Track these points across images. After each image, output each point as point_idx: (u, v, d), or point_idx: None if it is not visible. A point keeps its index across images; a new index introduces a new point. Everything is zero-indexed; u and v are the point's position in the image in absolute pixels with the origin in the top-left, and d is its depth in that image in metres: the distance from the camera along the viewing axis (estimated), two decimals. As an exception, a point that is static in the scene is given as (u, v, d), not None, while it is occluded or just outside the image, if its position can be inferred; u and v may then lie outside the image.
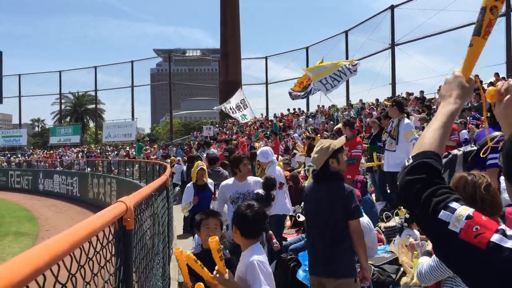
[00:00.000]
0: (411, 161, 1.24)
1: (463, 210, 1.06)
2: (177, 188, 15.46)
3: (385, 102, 9.62)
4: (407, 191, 1.19)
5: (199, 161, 7.48)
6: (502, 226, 1.01)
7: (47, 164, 32.24)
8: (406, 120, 7.46)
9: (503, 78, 18.60)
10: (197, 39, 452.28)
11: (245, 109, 20.22)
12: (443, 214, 1.07)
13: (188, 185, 6.96)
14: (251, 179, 5.52)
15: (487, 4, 1.44)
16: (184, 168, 17.43)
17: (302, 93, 18.45)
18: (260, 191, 5.38)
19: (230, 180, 5.62)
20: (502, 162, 1.14)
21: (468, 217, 1.04)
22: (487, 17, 1.45)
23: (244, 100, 20.51)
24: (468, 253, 1.02)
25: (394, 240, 5.61)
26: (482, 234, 1.00)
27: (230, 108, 20.21)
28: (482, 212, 2.20)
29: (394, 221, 6.65)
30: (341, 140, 3.99)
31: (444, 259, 1.13)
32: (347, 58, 36.21)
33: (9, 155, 41.94)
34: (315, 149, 3.88)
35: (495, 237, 0.98)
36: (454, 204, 1.08)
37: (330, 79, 15.89)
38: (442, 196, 1.11)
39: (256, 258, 2.77)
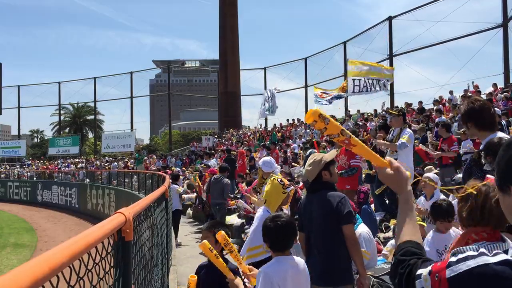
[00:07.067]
0: (393, 261, 1.44)
1: (425, 271, 1.19)
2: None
3: (390, 111, 9.77)
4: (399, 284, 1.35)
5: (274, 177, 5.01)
6: (451, 259, 1.13)
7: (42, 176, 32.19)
8: (409, 130, 7.57)
9: (501, 88, 18.69)
10: (193, 50, 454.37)
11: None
12: (418, 283, 1.21)
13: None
14: None
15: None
16: (183, 187, 13.65)
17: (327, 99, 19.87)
18: None
19: None
20: (495, 170, 1.17)
21: (430, 272, 1.17)
22: (336, 140, 1.74)
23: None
24: None
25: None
26: (441, 278, 1.12)
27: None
28: (487, 223, 2.19)
29: (393, 232, 6.64)
30: (332, 153, 4.11)
31: None
32: (345, 69, 36.44)
33: (8, 167, 41.81)
34: (308, 162, 4.00)
35: (447, 273, 1.10)
36: (420, 271, 1.22)
37: (363, 82, 16.74)
38: (413, 273, 1.26)
39: (266, 270, 2.84)
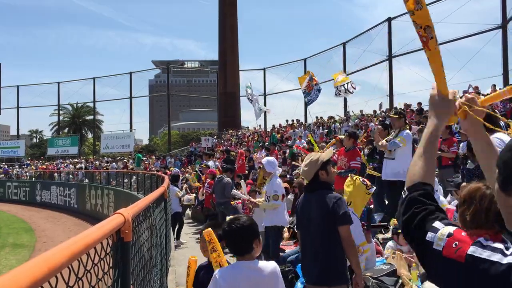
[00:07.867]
0: (404, 195, 1.35)
1: (444, 230, 1.14)
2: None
3: (390, 116, 9.84)
4: (405, 228, 1.29)
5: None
6: (480, 238, 1.08)
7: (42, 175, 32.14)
8: (407, 131, 7.60)
9: (500, 89, 18.70)
10: (192, 50, 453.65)
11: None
12: (429, 235, 1.16)
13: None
14: None
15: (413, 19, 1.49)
16: (181, 191, 12.71)
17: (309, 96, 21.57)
18: None
19: None
20: (497, 170, 1.13)
21: (449, 235, 1.12)
22: (417, 31, 1.50)
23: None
24: (451, 268, 1.09)
25: (394, 252, 5.59)
26: (460, 248, 1.07)
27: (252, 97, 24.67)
28: (492, 226, 2.18)
29: (392, 233, 6.64)
30: (329, 152, 4.13)
31: (433, 278, 1.18)
32: (344, 69, 36.51)
33: (6, 167, 41.73)
34: (304, 162, 4.02)
35: (471, 250, 1.06)
36: (438, 225, 1.16)
37: (336, 89, 19.35)
38: (428, 220, 1.20)
39: (217, 274, 2.70)
